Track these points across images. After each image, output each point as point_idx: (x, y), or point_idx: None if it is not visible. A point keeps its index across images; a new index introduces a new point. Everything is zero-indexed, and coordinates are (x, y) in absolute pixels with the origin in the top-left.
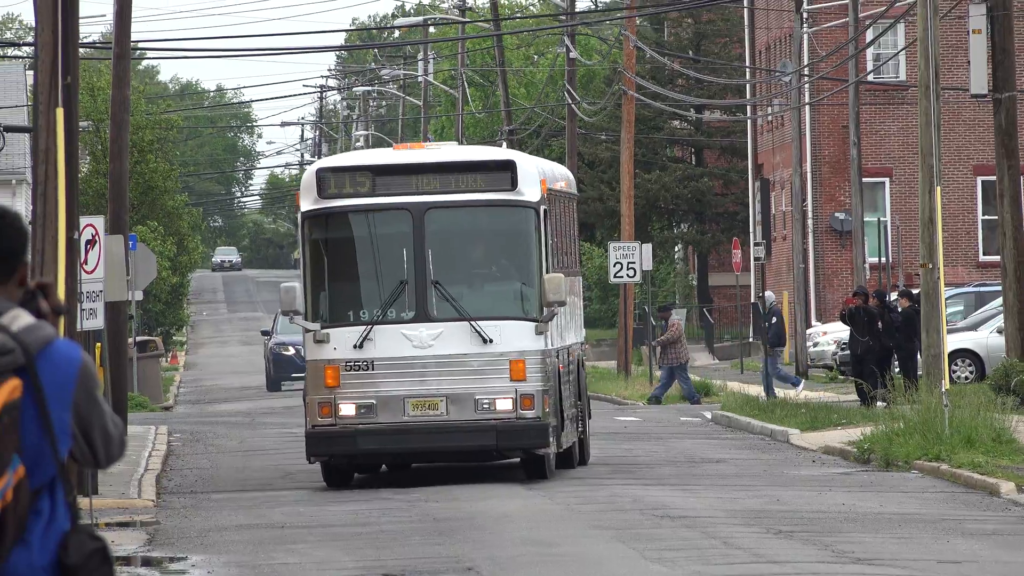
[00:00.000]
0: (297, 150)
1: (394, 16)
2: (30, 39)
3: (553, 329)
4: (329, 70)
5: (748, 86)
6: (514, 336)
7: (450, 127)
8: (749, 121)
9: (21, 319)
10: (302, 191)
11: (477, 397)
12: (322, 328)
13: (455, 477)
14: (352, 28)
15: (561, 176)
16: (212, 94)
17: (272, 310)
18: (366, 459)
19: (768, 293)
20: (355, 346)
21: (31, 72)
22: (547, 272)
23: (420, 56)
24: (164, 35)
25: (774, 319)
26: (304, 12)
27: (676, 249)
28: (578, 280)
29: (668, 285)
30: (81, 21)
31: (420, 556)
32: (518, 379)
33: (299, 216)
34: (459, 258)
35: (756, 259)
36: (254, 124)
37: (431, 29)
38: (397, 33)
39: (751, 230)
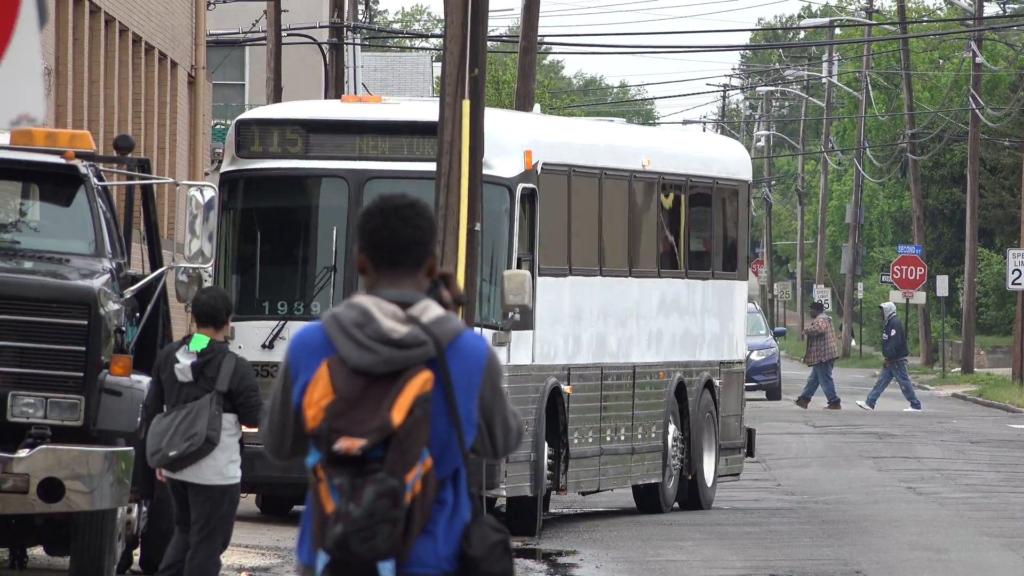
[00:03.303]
0: None
1: (800, 16)
2: (437, 31)
3: (558, 341)
4: (733, 69)
5: None
6: None
7: (852, 129)
8: None
9: (431, 310)
10: (225, 147)
11: None
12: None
13: (840, 481)
14: (758, 28)
15: (649, 151)
16: (615, 90)
17: None
18: (266, 489)
19: (888, 304)
20: (264, 346)
21: (438, 64)
22: (529, 268)
23: (825, 57)
24: (570, 30)
25: (893, 331)
26: (710, 11)
27: None
28: (733, 287)
29: None
30: (489, 14)
31: (807, 558)
32: None
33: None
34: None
35: None
36: (656, 122)
37: (836, 31)
38: (803, 34)
39: None
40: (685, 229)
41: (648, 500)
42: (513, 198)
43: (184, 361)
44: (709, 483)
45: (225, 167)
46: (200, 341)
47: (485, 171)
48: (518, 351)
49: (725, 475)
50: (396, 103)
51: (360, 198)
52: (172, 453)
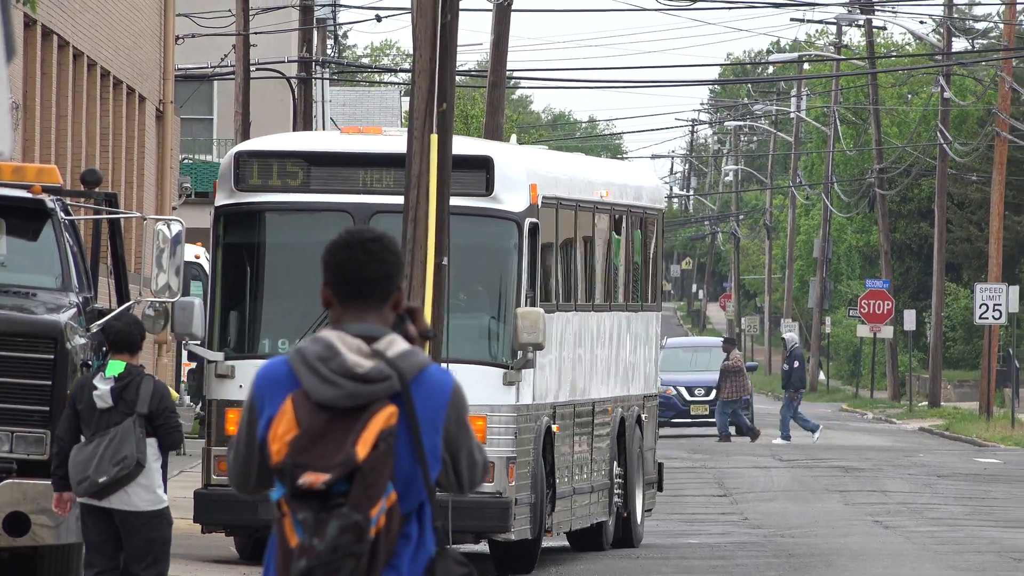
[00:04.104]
0: (666, 183)
1: (769, 52)
2: (406, 66)
3: (548, 378)
4: (701, 104)
5: None
6: (475, 386)
7: (820, 164)
8: None
9: (396, 345)
10: (219, 179)
11: None
12: (226, 359)
13: (807, 515)
14: (726, 63)
15: (607, 183)
16: (584, 125)
17: None
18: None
19: (790, 335)
20: None
21: (406, 98)
22: (530, 304)
23: (793, 92)
24: (539, 65)
25: (796, 362)
26: (679, 46)
27: None
28: (648, 317)
29: None
30: (458, 49)
31: None
32: None
33: (212, 212)
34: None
35: None
36: (625, 156)
37: (805, 66)
38: (771, 69)
39: None
40: (626, 260)
41: (590, 539)
42: (521, 233)
43: (103, 387)
44: (639, 520)
45: (222, 200)
46: (116, 366)
47: (495, 205)
48: (524, 390)
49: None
50: (398, 135)
51: None
52: (102, 479)
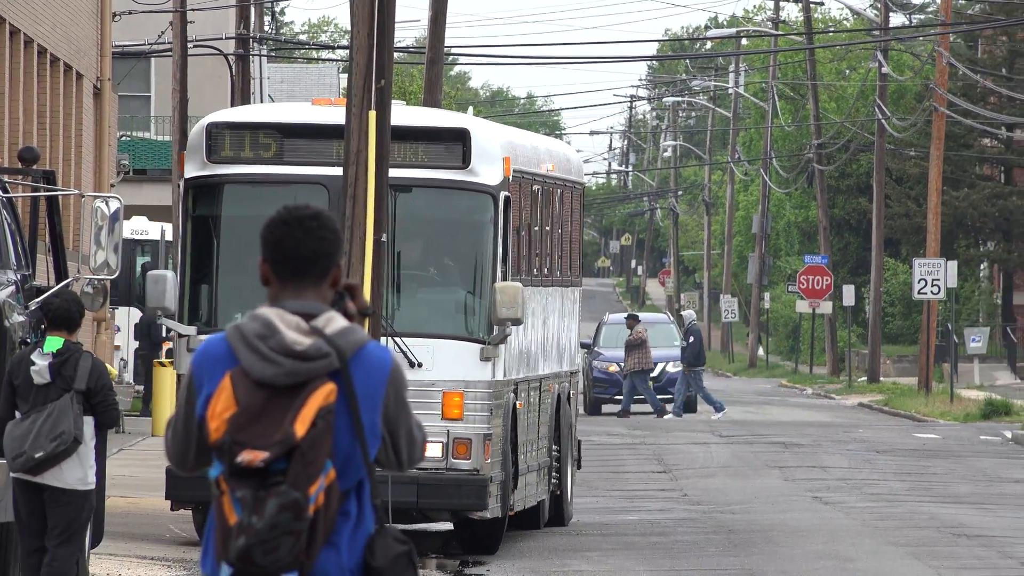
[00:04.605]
0: (605, 159)
1: (707, 27)
2: (344, 43)
3: (512, 354)
4: (640, 80)
5: None
6: (452, 361)
7: (759, 139)
8: None
9: (335, 322)
10: (188, 151)
11: None
12: (198, 333)
13: (746, 491)
14: (664, 39)
15: (550, 155)
16: (522, 101)
17: (595, 319)
18: None
19: (688, 312)
20: None
21: (344, 75)
22: (502, 279)
23: (731, 68)
24: (477, 41)
25: (691, 338)
26: (616, 22)
27: (981, 267)
28: (574, 293)
29: (972, 303)
30: (396, 25)
31: (714, 568)
32: (452, 417)
33: (181, 184)
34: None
35: None
36: (563, 132)
37: (743, 41)
38: (709, 44)
39: None
40: (563, 235)
41: (526, 518)
42: (496, 206)
43: (41, 363)
44: (570, 498)
45: (192, 172)
46: (55, 342)
47: (471, 179)
48: (498, 366)
49: None
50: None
51: (341, 206)
52: (38, 455)
